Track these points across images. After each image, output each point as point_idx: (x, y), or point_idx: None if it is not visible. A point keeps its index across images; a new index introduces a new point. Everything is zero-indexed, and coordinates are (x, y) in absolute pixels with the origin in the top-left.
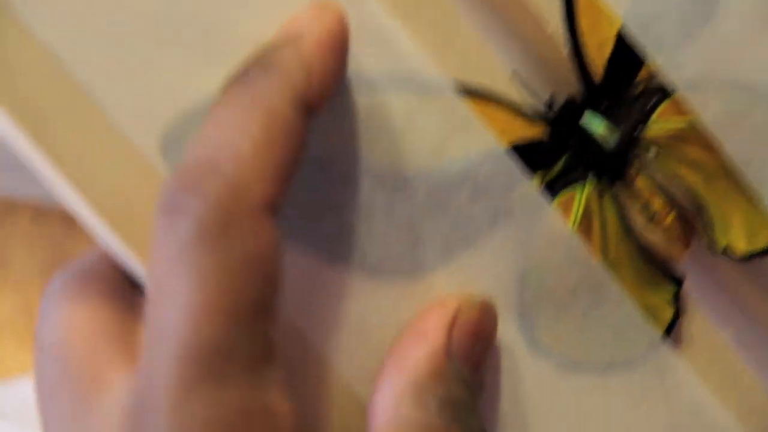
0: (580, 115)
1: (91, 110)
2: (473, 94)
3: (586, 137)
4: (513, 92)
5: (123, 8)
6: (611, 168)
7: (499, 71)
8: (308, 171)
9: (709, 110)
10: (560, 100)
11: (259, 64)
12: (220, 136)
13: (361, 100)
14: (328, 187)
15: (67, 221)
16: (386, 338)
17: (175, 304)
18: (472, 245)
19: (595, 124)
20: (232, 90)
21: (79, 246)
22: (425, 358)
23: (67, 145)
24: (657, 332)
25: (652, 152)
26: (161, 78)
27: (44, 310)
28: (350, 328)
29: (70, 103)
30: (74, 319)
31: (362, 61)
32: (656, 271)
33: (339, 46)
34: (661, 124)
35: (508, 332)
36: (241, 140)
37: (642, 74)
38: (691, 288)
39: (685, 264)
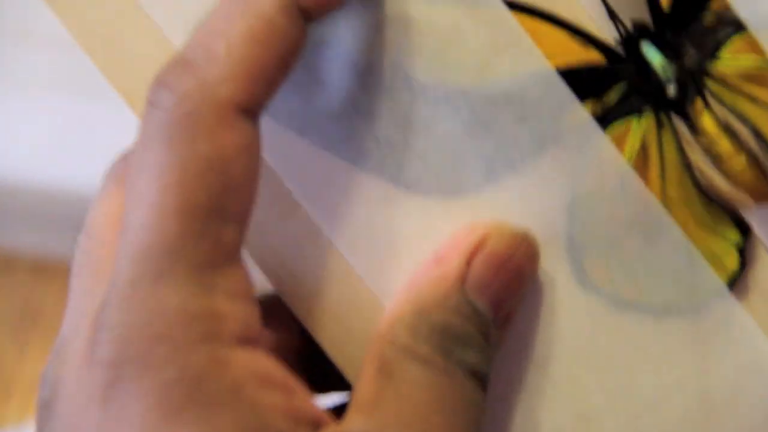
0: (641, 43)
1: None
2: (527, 10)
3: (646, 67)
4: (570, 11)
5: None
6: (672, 101)
7: None
8: (344, 75)
9: None
10: (625, 25)
11: None
12: (202, 36)
13: (405, 8)
14: (365, 94)
15: (35, 272)
16: (416, 257)
17: (138, 201)
18: (517, 169)
19: (653, 55)
20: None
21: (47, 297)
22: (432, 283)
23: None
24: (721, 281)
25: (719, 90)
26: None
27: (97, 191)
28: (379, 240)
29: None
30: (105, 204)
31: None
32: (721, 217)
33: None
34: (731, 60)
35: (553, 265)
36: (218, 40)
37: (714, 5)
38: (760, 239)
39: (755, 213)
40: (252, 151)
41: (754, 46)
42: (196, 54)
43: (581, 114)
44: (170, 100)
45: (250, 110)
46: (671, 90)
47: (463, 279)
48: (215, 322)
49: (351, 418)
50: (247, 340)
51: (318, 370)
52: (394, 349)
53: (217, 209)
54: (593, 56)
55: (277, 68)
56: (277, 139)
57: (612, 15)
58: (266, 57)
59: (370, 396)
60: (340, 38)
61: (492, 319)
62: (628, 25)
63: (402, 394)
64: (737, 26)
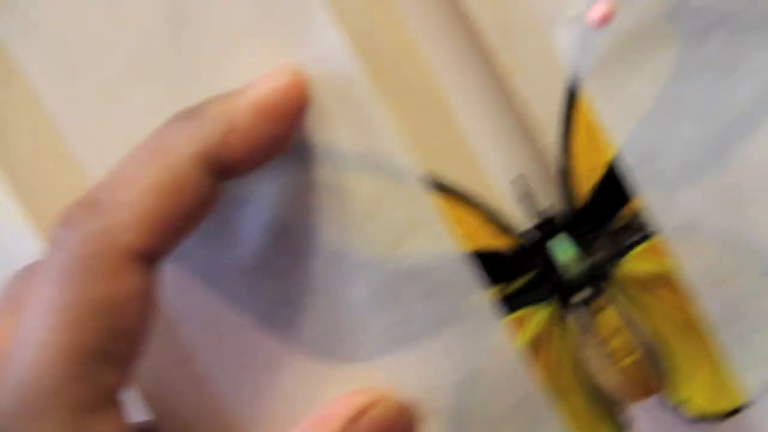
0: (553, 236)
1: (52, 135)
2: (447, 190)
3: (553, 260)
4: (490, 197)
5: (100, 42)
6: (575, 296)
7: (480, 173)
8: (257, 234)
9: (693, 262)
10: (539, 217)
11: (187, 112)
12: (113, 180)
13: (329, 174)
14: (279, 254)
15: None
16: (303, 417)
17: (28, 335)
18: (414, 344)
19: (562, 250)
20: (152, 133)
21: None
22: None
23: (20, 158)
24: None
25: (621, 290)
26: (123, 114)
27: None
28: (271, 398)
29: (33, 122)
30: None
31: (337, 135)
32: (603, 413)
33: (281, 111)
34: (637, 263)
35: None
36: (128, 187)
37: (628, 208)
38: None
39: (636, 412)
40: (148, 297)
41: (661, 253)
42: (104, 197)
43: (483, 298)
44: (74, 239)
45: (151, 258)
46: (575, 285)
47: None
48: None
49: None
50: None
51: None
52: None
53: (103, 353)
54: (505, 243)
55: (184, 221)
56: (181, 286)
57: (528, 205)
58: (173, 209)
59: None
60: (260, 195)
61: None
62: (543, 216)
63: None
64: (647, 232)
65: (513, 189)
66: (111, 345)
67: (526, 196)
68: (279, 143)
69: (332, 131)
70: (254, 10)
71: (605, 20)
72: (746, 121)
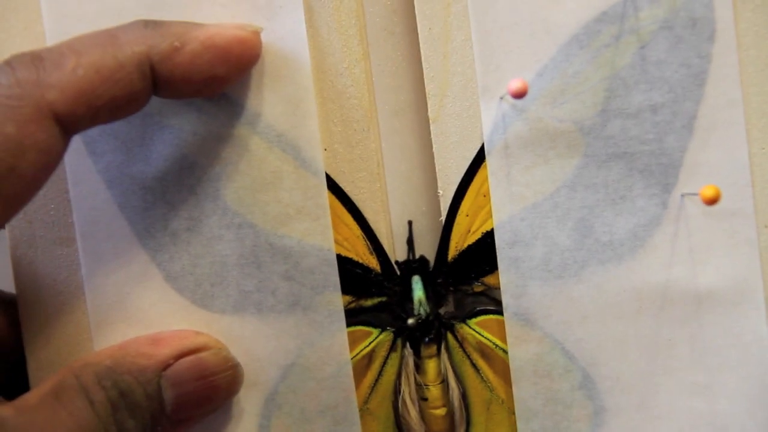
0: (415, 275)
1: None
2: (342, 197)
3: (408, 296)
4: (375, 218)
5: None
6: (413, 335)
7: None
8: (170, 161)
9: (523, 350)
10: (414, 253)
11: (149, 20)
12: (65, 46)
13: (248, 136)
14: (177, 186)
15: None
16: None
17: None
18: (263, 314)
19: (418, 290)
20: (115, 27)
21: None
22: (139, 355)
23: None
24: None
25: (456, 348)
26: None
27: None
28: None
29: None
30: None
31: (268, 107)
32: None
33: (227, 55)
34: (477, 330)
35: (246, 406)
36: (75, 56)
37: (487, 279)
38: None
39: None
40: (50, 156)
41: (500, 331)
42: (49, 57)
43: (338, 301)
44: (7, 79)
45: (67, 125)
46: (419, 326)
47: (165, 367)
48: None
49: (4, 406)
50: None
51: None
52: (74, 382)
53: None
54: (373, 263)
55: (108, 105)
56: (86, 176)
57: (409, 242)
58: (102, 91)
59: (32, 403)
60: (181, 127)
61: (169, 411)
62: (416, 254)
63: (56, 417)
64: (496, 307)
65: (403, 225)
66: (2, 181)
67: (409, 237)
68: (214, 83)
69: (265, 102)
70: None
71: (518, 95)
72: (613, 251)
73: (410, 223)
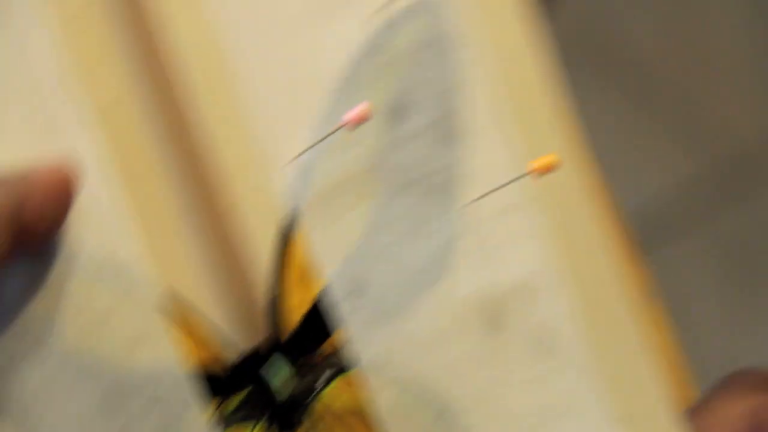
0: (261, 362)
1: None
2: (179, 306)
3: (265, 381)
4: (212, 318)
5: None
6: (283, 418)
7: (208, 292)
8: (16, 310)
9: (380, 398)
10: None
11: None
12: None
13: (68, 278)
14: (21, 338)
15: None
16: None
17: None
18: None
19: (274, 372)
20: None
21: None
22: None
23: None
24: None
25: (321, 419)
26: None
27: None
28: None
29: None
30: None
31: (83, 240)
32: None
33: (61, 198)
34: (334, 396)
35: None
36: None
37: (329, 343)
38: None
39: None
40: None
41: (356, 386)
42: None
43: (202, 414)
44: None
45: None
46: (287, 407)
47: None
48: None
49: None
50: None
51: None
52: None
53: None
54: (220, 363)
55: None
56: None
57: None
58: None
59: None
60: (23, 275)
61: None
62: (263, 337)
63: None
64: (345, 365)
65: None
66: None
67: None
68: (53, 229)
69: (78, 235)
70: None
71: (360, 121)
72: (427, 277)
73: (229, 312)
